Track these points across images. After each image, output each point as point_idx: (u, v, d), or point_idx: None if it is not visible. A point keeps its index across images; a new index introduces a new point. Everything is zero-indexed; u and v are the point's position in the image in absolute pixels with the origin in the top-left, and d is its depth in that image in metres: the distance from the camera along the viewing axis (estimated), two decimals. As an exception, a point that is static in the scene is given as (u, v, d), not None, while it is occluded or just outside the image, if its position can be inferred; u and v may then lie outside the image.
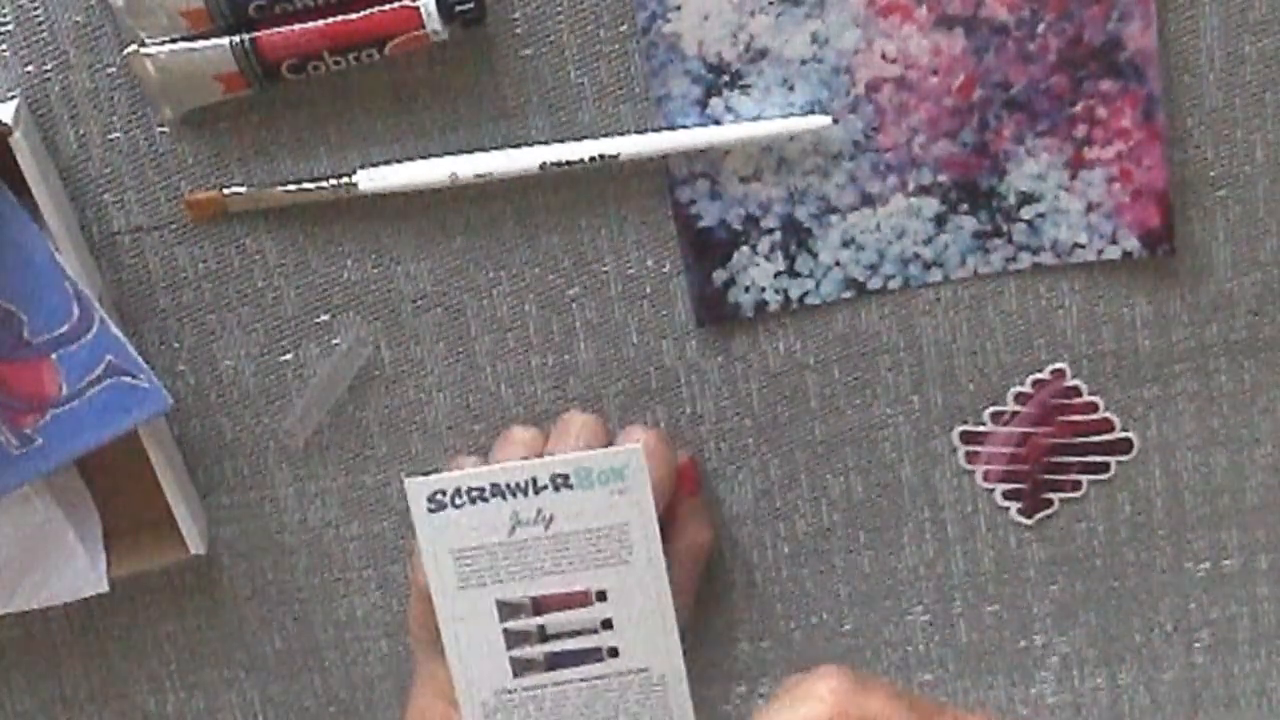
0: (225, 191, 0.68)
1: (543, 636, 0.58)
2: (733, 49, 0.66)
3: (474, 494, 0.57)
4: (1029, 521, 0.75)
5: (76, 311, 0.66)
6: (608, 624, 0.58)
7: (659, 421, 0.72)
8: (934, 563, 0.76)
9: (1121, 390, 0.72)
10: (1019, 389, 0.72)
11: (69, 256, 0.65)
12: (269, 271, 0.70)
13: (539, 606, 0.58)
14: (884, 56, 0.66)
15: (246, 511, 0.74)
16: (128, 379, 0.67)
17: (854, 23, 0.65)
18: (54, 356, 0.66)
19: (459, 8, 0.63)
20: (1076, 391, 0.72)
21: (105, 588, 0.72)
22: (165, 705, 0.78)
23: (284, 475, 0.73)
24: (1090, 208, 0.68)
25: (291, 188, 0.67)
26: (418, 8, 0.62)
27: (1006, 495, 0.74)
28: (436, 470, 0.70)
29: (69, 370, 0.67)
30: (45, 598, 0.72)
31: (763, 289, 0.70)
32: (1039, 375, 0.72)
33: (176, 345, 0.71)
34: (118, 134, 0.67)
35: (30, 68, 0.66)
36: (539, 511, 0.57)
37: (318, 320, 0.71)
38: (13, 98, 0.66)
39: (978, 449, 0.73)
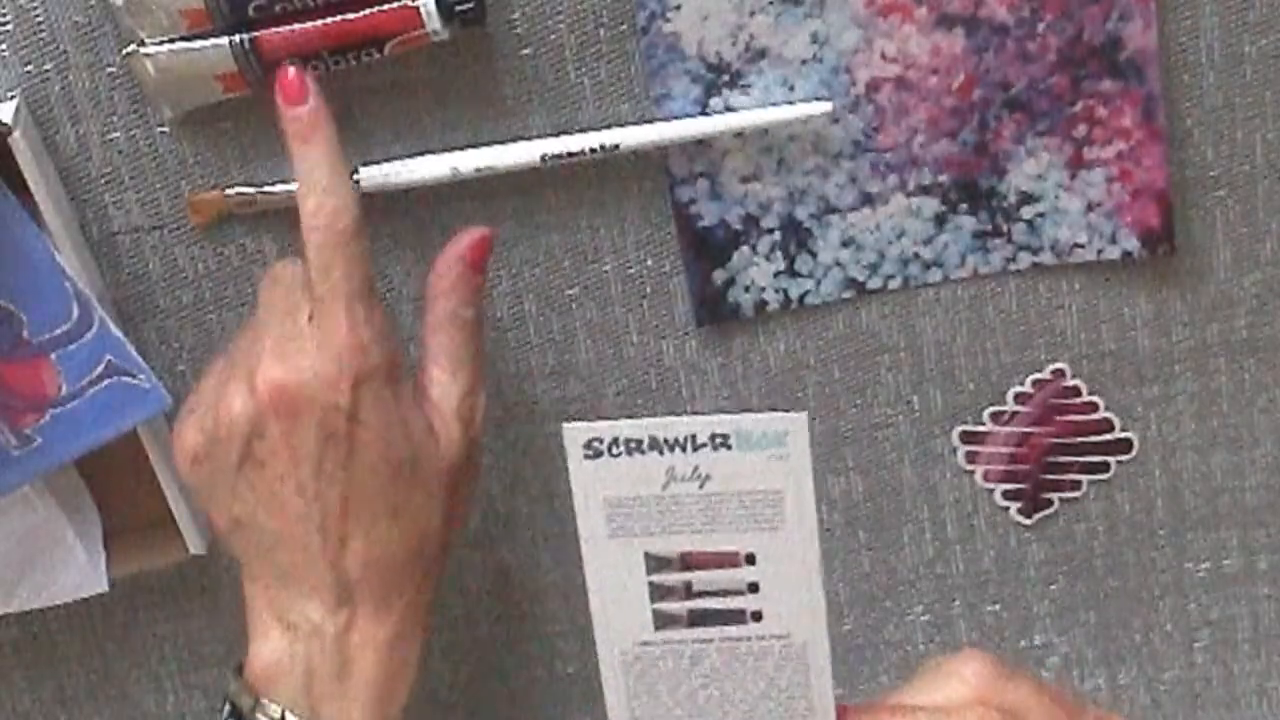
0: (225, 191, 0.68)
1: (688, 593, 0.58)
2: (733, 49, 0.66)
3: (631, 445, 0.57)
4: (1029, 521, 0.75)
5: (76, 311, 0.66)
6: (754, 587, 0.58)
7: (659, 421, 0.72)
8: (934, 563, 0.76)
9: (1121, 390, 0.72)
10: (1019, 389, 0.72)
11: (69, 256, 0.65)
12: (269, 271, 0.70)
13: (687, 563, 0.57)
14: (884, 56, 0.66)
15: (246, 511, 0.74)
16: (128, 379, 0.67)
17: (854, 23, 0.65)
18: (54, 356, 0.66)
19: (459, 8, 0.63)
20: (1076, 391, 0.72)
21: (105, 588, 0.72)
22: (165, 705, 0.78)
23: (284, 475, 0.73)
24: (1090, 208, 0.68)
25: (292, 187, 0.67)
26: (418, 8, 0.62)
27: (1006, 495, 0.74)
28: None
29: (69, 370, 0.66)
30: (45, 598, 0.71)
31: (763, 289, 0.70)
32: (1039, 375, 0.72)
33: (176, 345, 0.70)
34: (118, 134, 0.67)
35: (30, 68, 0.66)
36: (695, 468, 0.57)
37: (318, 320, 0.70)
38: (13, 98, 0.65)
39: (978, 449, 0.73)
